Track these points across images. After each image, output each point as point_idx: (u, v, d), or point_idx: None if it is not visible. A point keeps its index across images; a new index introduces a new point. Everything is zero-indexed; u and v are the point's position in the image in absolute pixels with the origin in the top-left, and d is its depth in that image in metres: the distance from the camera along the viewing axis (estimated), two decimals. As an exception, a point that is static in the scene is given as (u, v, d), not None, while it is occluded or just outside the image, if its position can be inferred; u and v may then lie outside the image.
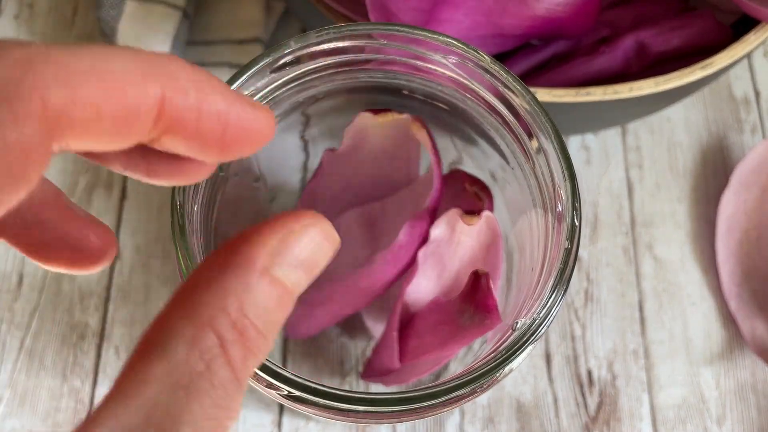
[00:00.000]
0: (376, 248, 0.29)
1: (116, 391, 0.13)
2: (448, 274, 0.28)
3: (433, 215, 0.26)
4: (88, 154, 0.15)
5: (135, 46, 0.14)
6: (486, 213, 0.26)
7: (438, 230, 0.26)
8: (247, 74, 0.22)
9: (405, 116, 0.25)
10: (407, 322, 0.27)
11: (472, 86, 0.23)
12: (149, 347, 0.13)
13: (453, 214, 0.26)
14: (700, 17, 0.34)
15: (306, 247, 0.15)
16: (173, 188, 0.21)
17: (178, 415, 0.13)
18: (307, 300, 0.28)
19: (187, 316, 0.13)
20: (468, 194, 0.28)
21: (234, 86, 0.22)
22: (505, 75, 0.22)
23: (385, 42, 0.23)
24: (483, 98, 0.24)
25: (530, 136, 0.23)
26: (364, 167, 0.29)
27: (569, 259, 0.21)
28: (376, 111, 0.25)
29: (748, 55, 0.34)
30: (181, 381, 0.13)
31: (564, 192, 0.22)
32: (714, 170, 0.40)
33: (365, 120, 0.27)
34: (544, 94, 0.30)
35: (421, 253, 0.26)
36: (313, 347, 0.35)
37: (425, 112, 0.26)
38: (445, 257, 0.27)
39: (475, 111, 0.25)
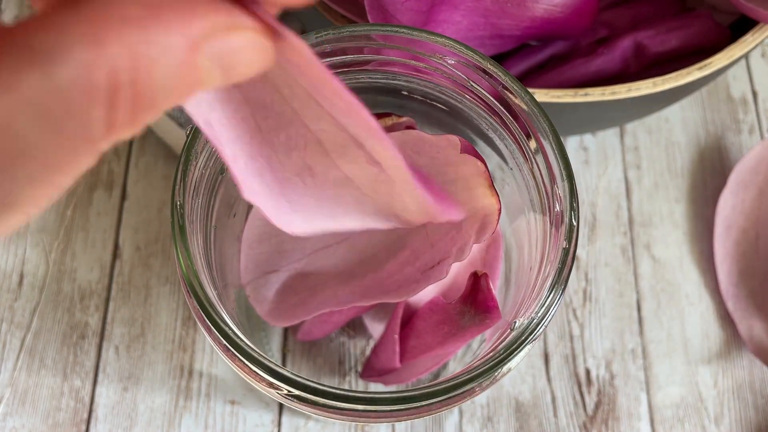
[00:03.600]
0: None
1: None
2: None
3: None
4: None
5: None
6: None
7: None
8: (247, 75, 0.22)
9: (405, 119, 0.25)
10: (406, 322, 0.28)
11: (471, 87, 0.24)
12: (32, 44, 0.11)
13: None
14: (698, 18, 0.34)
15: (241, 49, 0.12)
16: (173, 188, 0.21)
17: (30, 144, 0.11)
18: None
19: (94, 34, 0.11)
20: None
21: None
22: (503, 76, 0.23)
23: (384, 43, 0.23)
24: (481, 99, 0.24)
25: (528, 136, 0.23)
26: None
27: (567, 259, 0.21)
28: (376, 116, 0.25)
29: (746, 56, 0.34)
30: (51, 109, 0.10)
31: (562, 192, 0.22)
32: (712, 170, 0.40)
33: None
34: (542, 95, 0.30)
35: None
36: (313, 347, 0.35)
37: (424, 113, 0.26)
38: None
39: (473, 111, 0.25)
